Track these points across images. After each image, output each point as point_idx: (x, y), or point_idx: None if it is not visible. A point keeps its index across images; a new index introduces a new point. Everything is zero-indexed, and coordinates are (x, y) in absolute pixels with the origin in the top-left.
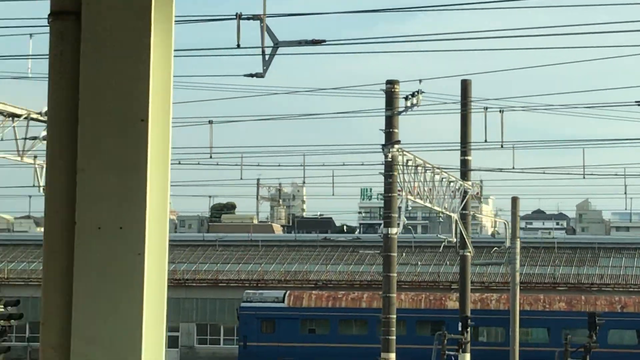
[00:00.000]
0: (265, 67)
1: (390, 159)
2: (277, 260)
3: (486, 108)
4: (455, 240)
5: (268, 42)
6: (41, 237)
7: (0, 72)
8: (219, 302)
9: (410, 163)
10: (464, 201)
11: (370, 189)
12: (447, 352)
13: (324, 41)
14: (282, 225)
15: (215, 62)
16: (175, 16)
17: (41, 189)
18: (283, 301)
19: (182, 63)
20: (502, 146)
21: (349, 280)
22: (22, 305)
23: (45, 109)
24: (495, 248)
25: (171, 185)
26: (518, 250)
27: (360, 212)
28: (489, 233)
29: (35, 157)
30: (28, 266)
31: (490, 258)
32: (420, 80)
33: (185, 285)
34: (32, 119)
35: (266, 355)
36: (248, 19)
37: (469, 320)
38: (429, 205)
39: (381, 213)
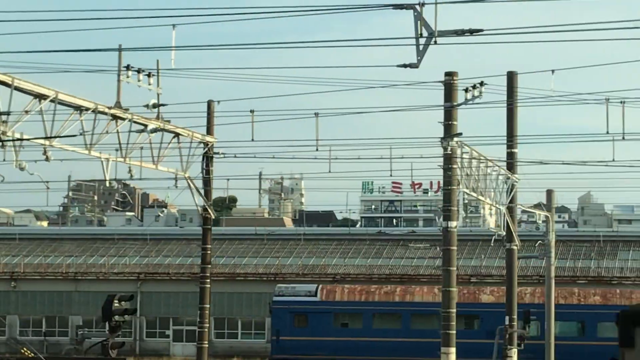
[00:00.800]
0: (419, 58)
1: (450, 152)
2: (294, 254)
3: (608, 99)
4: (502, 233)
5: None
6: (47, 231)
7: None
8: (236, 296)
9: (466, 156)
10: (511, 194)
11: (372, 182)
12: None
13: (482, 30)
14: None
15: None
16: (328, 6)
17: (108, 182)
18: (316, 295)
19: (338, 53)
20: None
21: (368, 273)
22: (39, 300)
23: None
24: (540, 241)
25: (170, 179)
26: (553, 243)
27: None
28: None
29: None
30: (44, 260)
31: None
32: (552, 71)
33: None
34: (99, 112)
35: (299, 350)
36: (402, 7)
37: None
38: (481, 198)
39: (383, 207)
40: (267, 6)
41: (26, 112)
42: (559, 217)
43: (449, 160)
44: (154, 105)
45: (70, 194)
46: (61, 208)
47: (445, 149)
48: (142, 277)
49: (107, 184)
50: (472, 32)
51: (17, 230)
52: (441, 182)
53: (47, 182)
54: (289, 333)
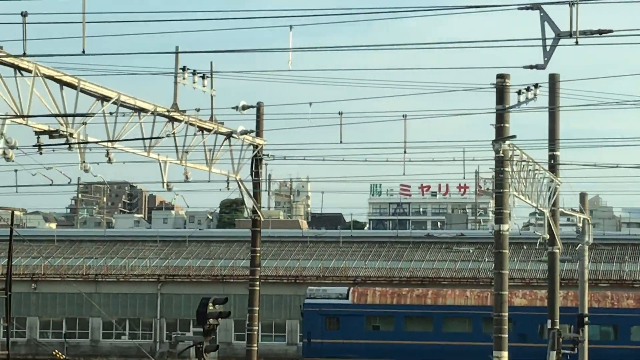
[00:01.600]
0: (546, 59)
1: (502, 155)
2: (314, 257)
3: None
4: (546, 236)
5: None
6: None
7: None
8: None
9: (516, 159)
10: (554, 197)
11: (380, 185)
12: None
13: (611, 31)
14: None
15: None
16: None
17: (165, 185)
18: (347, 298)
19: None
20: None
21: (388, 276)
22: (59, 302)
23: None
24: (580, 245)
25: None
26: (587, 246)
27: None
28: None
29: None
30: (64, 262)
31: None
32: None
33: (223, 282)
34: (159, 114)
35: (330, 352)
36: (527, 8)
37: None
38: (527, 201)
39: (391, 209)
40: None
41: (91, 114)
42: (567, 220)
43: (500, 163)
44: (244, 107)
45: (80, 195)
46: (68, 210)
47: (497, 151)
48: (163, 279)
49: (165, 187)
50: (601, 32)
51: (39, 232)
52: (450, 185)
53: (52, 183)
54: (320, 335)
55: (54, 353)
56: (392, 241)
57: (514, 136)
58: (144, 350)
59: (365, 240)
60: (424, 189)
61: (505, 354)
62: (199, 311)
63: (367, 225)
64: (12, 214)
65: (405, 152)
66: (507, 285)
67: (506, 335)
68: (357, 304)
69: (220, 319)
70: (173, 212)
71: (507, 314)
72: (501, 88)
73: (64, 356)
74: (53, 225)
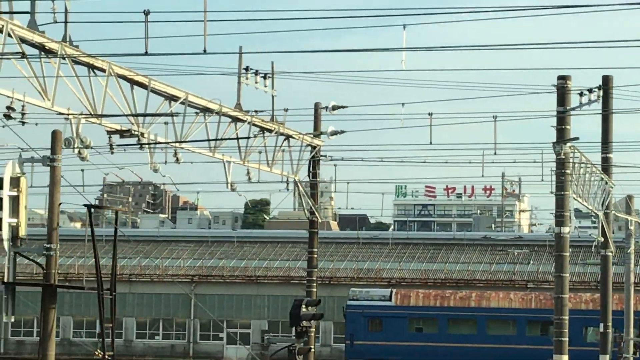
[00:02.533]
0: None
1: (563, 157)
2: (348, 258)
3: None
4: (600, 239)
5: None
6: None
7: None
8: (290, 299)
9: (576, 161)
10: (608, 200)
11: (405, 186)
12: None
13: None
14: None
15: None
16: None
17: (229, 185)
18: (390, 299)
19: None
20: None
21: (423, 278)
22: (92, 302)
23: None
24: (629, 247)
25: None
26: (633, 249)
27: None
28: (525, 231)
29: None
30: (87, 261)
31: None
32: None
33: (256, 282)
34: (224, 114)
35: (373, 354)
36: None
37: None
38: (584, 204)
39: (416, 210)
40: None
41: (163, 114)
42: (592, 222)
43: (561, 165)
44: (334, 108)
45: (105, 195)
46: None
47: (558, 154)
48: (196, 280)
49: (228, 187)
50: None
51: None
52: (476, 187)
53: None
54: (363, 337)
55: (96, 353)
56: (436, 243)
57: (576, 138)
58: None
59: (405, 242)
60: (449, 191)
61: (565, 357)
62: (293, 313)
63: (392, 227)
64: (117, 213)
65: (495, 153)
66: (567, 288)
67: (566, 339)
68: (400, 306)
69: (313, 320)
70: (197, 212)
71: (567, 317)
72: (562, 89)
73: (105, 355)
74: (78, 225)
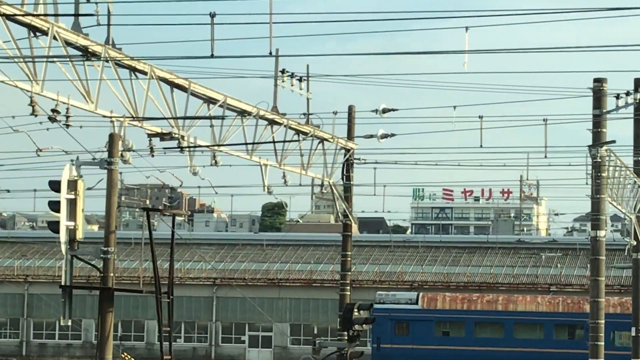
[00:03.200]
0: None
1: (599, 160)
2: (370, 261)
3: None
4: (633, 242)
5: None
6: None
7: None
8: (312, 302)
9: (611, 164)
10: (637, 202)
11: (423, 189)
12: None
13: None
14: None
15: None
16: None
17: (266, 188)
18: (417, 303)
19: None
20: None
21: (446, 281)
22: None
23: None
24: None
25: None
26: None
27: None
28: (543, 234)
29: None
30: (119, 264)
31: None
32: None
33: (278, 285)
34: (261, 117)
35: (399, 357)
36: None
37: None
38: (618, 207)
39: (434, 214)
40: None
41: (203, 117)
42: (612, 225)
43: (597, 168)
44: (384, 111)
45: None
46: None
47: (594, 157)
48: (218, 282)
49: (266, 190)
50: None
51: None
52: (493, 190)
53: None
54: (390, 341)
55: (122, 356)
56: (447, 246)
57: (613, 141)
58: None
59: (436, 246)
60: (467, 194)
61: None
62: (344, 317)
63: (410, 230)
64: (174, 217)
65: (546, 156)
66: (603, 292)
67: (602, 343)
68: (427, 309)
69: (365, 325)
70: (215, 215)
71: (603, 321)
72: (598, 92)
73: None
74: (95, 227)
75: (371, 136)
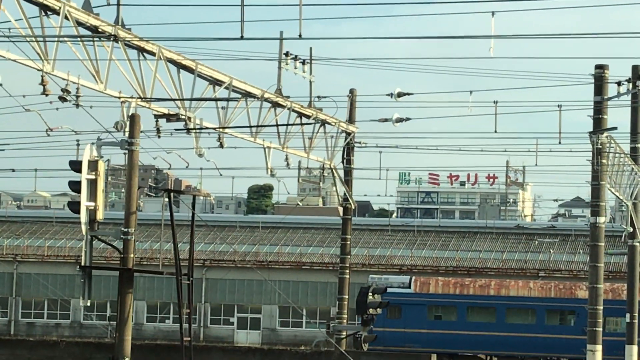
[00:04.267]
0: None
1: (600, 147)
2: (360, 244)
3: None
4: (629, 229)
5: None
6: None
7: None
8: (301, 285)
9: (612, 150)
10: (637, 190)
11: (409, 173)
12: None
13: None
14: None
15: None
16: None
17: (269, 170)
18: (409, 287)
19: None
20: None
21: (435, 265)
22: (103, 285)
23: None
24: None
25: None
26: None
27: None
28: (527, 219)
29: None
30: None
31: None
32: None
33: (268, 267)
34: (266, 99)
35: (392, 341)
36: None
37: None
38: (616, 193)
39: (420, 198)
40: None
41: (209, 99)
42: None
43: (598, 155)
44: (399, 95)
45: (110, 178)
46: None
47: (594, 143)
48: (208, 264)
49: (268, 173)
50: None
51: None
52: (479, 174)
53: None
54: (382, 324)
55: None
56: (436, 231)
57: (614, 128)
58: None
59: (427, 230)
60: (453, 179)
61: (599, 347)
62: (359, 300)
63: (395, 214)
64: (194, 198)
65: (560, 142)
66: (602, 278)
67: (600, 329)
68: (419, 293)
69: (379, 309)
70: (201, 197)
71: (601, 307)
72: (600, 78)
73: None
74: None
75: (385, 120)
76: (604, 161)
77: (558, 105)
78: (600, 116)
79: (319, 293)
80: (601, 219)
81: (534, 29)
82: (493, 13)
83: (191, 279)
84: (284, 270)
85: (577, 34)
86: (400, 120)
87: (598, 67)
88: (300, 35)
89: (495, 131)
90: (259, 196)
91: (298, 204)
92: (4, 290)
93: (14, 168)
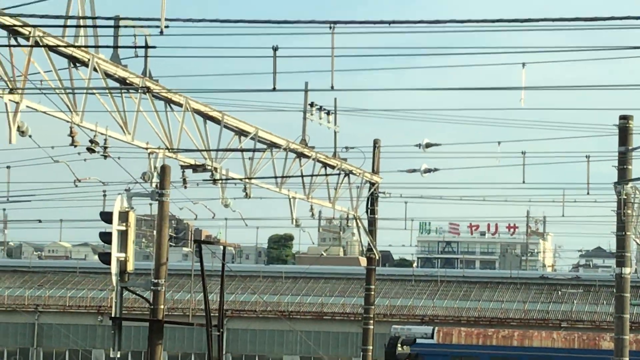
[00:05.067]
0: None
1: (625, 197)
2: (382, 294)
3: None
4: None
5: None
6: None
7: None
8: (323, 335)
9: (637, 201)
10: None
11: (429, 223)
12: None
13: None
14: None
15: None
16: None
17: (294, 221)
18: (432, 337)
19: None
20: None
21: (456, 316)
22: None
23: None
24: None
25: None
26: None
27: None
28: (548, 270)
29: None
30: (130, 294)
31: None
32: None
33: (289, 317)
34: (291, 150)
35: None
36: None
37: None
38: None
39: (440, 247)
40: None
41: (235, 149)
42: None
43: (623, 205)
44: (427, 145)
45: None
46: None
47: (619, 193)
48: (229, 314)
49: (293, 223)
50: None
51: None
52: (499, 224)
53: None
54: None
55: None
56: (457, 281)
57: (639, 178)
58: None
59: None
60: (473, 228)
61: None
62: (388, 352)
63: (415, 263)
64: (224, 249)
65: (588, 193)
66: (627, 329)
67: None
68: (443, 344)
69: None
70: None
71: (627, 358)
72: (624, 129)
73: None
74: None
75: (414, 170)
76: (629, 212)
77: (586, 156)
78: (625, 166)
79: (340, 343)
80: (627, 270)
81: (559, 81)
82: (524, 64)
83: (221, 329)
84: (306, 321)
85: (604, 85)
86: (428, 170)
87: (622, 117)
88: (332, 87)
89: (524, 182)
90: (279, 246)
91: (322, 254)
92: (26, 341)
93: (40, 219)
